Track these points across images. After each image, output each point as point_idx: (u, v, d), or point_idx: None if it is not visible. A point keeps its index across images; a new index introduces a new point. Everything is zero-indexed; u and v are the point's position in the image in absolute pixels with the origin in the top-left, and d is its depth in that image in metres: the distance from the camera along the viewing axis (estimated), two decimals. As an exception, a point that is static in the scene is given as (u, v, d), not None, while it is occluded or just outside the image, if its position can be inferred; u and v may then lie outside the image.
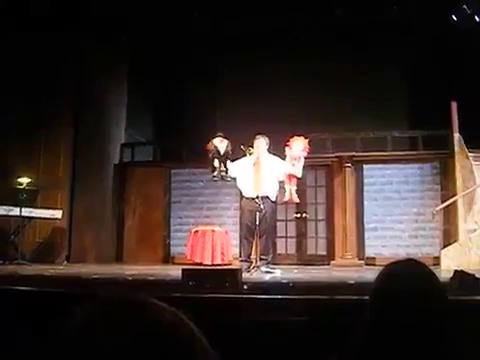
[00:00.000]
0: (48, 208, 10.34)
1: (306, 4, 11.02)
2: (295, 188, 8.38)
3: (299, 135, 8.40)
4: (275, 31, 12.05)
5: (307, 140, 8.36)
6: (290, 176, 8.28)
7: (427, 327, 1.59)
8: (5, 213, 9.66)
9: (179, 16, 11.47)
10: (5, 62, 10.50)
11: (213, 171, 8.35)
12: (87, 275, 6.80)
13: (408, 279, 1.70)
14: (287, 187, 8.38)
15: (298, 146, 8.24)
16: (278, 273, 7.79)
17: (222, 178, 8.40)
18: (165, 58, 13.19)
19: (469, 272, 4.80)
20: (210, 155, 8.31)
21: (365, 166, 11.53)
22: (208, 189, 11.82)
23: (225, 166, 8.24)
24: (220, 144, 8.27)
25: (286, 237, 11.71)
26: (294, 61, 12.38)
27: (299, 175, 8.28)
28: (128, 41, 12.23)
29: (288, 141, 8.36)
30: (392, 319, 1.62)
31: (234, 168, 8.26)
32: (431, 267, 1.84)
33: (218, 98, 13.75)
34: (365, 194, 11.50)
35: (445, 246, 9.72)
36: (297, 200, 8.62)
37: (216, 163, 8.28)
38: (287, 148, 8.28)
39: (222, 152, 8.23)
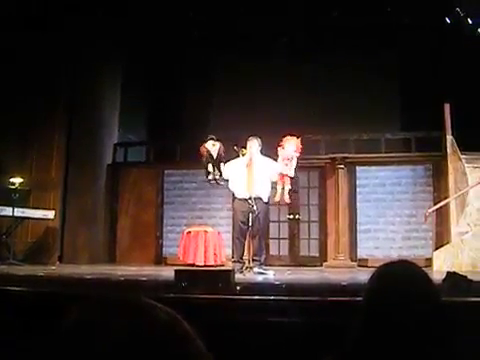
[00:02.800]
0: (40, 208, 10.31)
1: (301, 6, 11.04)
2: (289, 188, 8.39)
3: (292, 135, 8.41)
4: (270, 32, 12.06)
5: (299, 139, 8.37)
6: (283, 176, 8.29)
7: (420, 328, 1.59)
8: (-3, 213, 9.64)
9: (174, 16, 11.47)
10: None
11: (207, 175, 8.36)
12: (80, 276, 6.79)
13: (401, 280, 1.70)
14: (279, 187, 8.40)
15: (291, 146, 8.26)
16: (271, 274, 7.80)
17: (216, 182, 8.42)
18: (160, 58, 13.18)
19: (461, 274, 4.82)
20: (203, 160, 8.32)
21: (358, 168, 11.55)
22: (201, 190, 11.81)
23: (219, 170, 8.25)
24: (212, 148, 8.27)
25: (279, 238, 11.71)
26: (288, 62, 12.39)
27: (291, 174, 8.31)
28: (123, 41, 12.20)
29: (281, 141, 8.38)
30: (385, 320, 1.62)
31: (227, 169, 8.27)
32: (423, 269, 1.84)
33: (212, 98, 13.74)
34: (358, 196, 11.51)
35: (437, 248, 9.75)
36: (288, 200, 8.63)
37: (210, 168, 8.29)
38: (280, 148, 8.30)
39: (215, 156, 8.24)
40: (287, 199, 8.52)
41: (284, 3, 11.06)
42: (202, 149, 8.33)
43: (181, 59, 13.17)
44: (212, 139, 8.33)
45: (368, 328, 1.66)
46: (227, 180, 8.39)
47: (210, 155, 8.23)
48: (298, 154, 8.32)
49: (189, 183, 12.09)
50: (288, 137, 8.40)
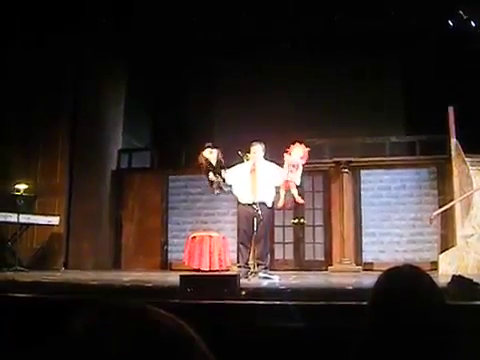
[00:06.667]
0: (45, 214, 10.33)
1: (305, 9, 11.05)
2: (296, 191, 8.38)
3: (300, 142, 8.40)
4: (273, 36, 12.08)
5: (307, 149, 8.36)
6: (287, 182, 8.28)
7: (426, 332, 1.59)
8: (3, 219, 9.65)
9: (178, 22, 11.49)
10: (1, 66, 10.50)
11: (211, 185, 8.30)
12: (85, 281, 6.80)
13: (406, 284, 1.71)
14: (282, 192, 8.38)
15: (297, 153, 8.24)
16: (276, 279, 7.79)
17: (221, 189, 8.36)
18: (164, 64, 13.19)
19: (467, 277, 4.80)
20: (204, 169, 8.25)
21: (362, 171, 11.54)
22: (205, 195, 11.81)
23: (221, 176, 8.18)
24: (210, 155, 8.19)
25: (284, 243, 11.70)
26: (292, 66, 12.40)
27: (297, 182, 8.28)
28: (127, 47, 12.22)
29: (288, 147, 8.36)
30: (391, 324, 1.62)
31: (230, 175, 8.25)
32: (429, 272, 1.84)
33: (217, 104, 13.75)
34: (362, 199, 11.50)
35: (443, 251, 9.71)
36: (301, 201, 8.65)
37: (211, 176, 8.22)
38: (286, 154, 8.28)
39: (214, 163, 8.18)
40: (300, 200, 8.53)
41: (286, 7, 11.07)
42: (200, 159, 8.26)
43: (185, 64, 13.19)
44: (209, 147, 8.26)
45: (374, 332, 1.66)
46: (231, 185, 8.38)
47: (210, 163, 8.17)
48: (304, 161, 8.31)
49: (194, 188, 12.09)
50: (296, 144, 8.38)
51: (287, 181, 8.26)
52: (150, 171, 12.73)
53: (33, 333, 3.59)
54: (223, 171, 8.16)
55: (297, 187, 8.45)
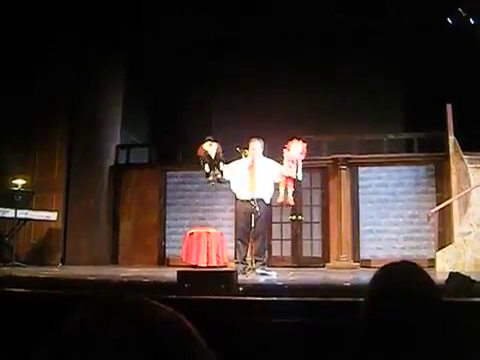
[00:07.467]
0: (43, 210, 10.32)
1: (303, 7, 11.03)
2: (292, 190, 8.36)
3: (298, 139, 8.39)
4: (272, 33, 12.07)
5: (305, 144, 8.35)
6: (287, 178, 8.26)
7: (422, 328, 1.59)
8: (0, 214, 9.63)
9: (177, 19, 11.47)
10: (1, 64, 10.48)
11: (207, 176, 8.29)
12: (82, 277, 6.79)
13: (403, 280, 1.71)
14: (282, 189, 8.36)
15: (296, 149, 8.22)
16: (273, 275, 7.79)
17: (218, 181, 8.36)
18: (162, 60, 13.18)
19: (464, 274, 4.81)
20: (201, 161, 8.25)
21: (360, 168, 11.55)
22: (203, 191, 11.81)
23: (219, 169, 8.19)
24: (209, 148, 8.19)
25: (281, 239, 11.71)
26: (291, 63, 12.40)
27: (300, 177, 8.26)
28: (126, 42, 12.20)
29: (286, 143, 8.35)
30: (387, 321, 1.62)
31: (228, 171, 8.24)
32: (426, 269, 1.84)
33: (214, 99, 13.74)
34: (360, 196, 11.51)
35: (440, 248, 9.73)
36: (292, 203, 8.59)
37: (207, 168, 8.21)
38: (285, 150, 8.27)
39: (213, 156, 8.18)
40: (291, 201, 8.49)
41: (286, 6, 11.05)
42: (200, 151, 8.28)
43: (184, 63, 13.17)
44: (209, 140, 8.28)
45: (371, 328, 1.66)
46: (228, 180, 8.37)
47: (208, 156, 8.18)
48: (303, 157, 8.29)
49: (191, 184, 12.09)
50: (294, 140, 8.37)
51: (287, 178, 8.24)
52: (148, 167, 12.73)
53: (30, 328, 3.59)
54: (221, 164, 8.16)
55: (294, 185, 8.43)
